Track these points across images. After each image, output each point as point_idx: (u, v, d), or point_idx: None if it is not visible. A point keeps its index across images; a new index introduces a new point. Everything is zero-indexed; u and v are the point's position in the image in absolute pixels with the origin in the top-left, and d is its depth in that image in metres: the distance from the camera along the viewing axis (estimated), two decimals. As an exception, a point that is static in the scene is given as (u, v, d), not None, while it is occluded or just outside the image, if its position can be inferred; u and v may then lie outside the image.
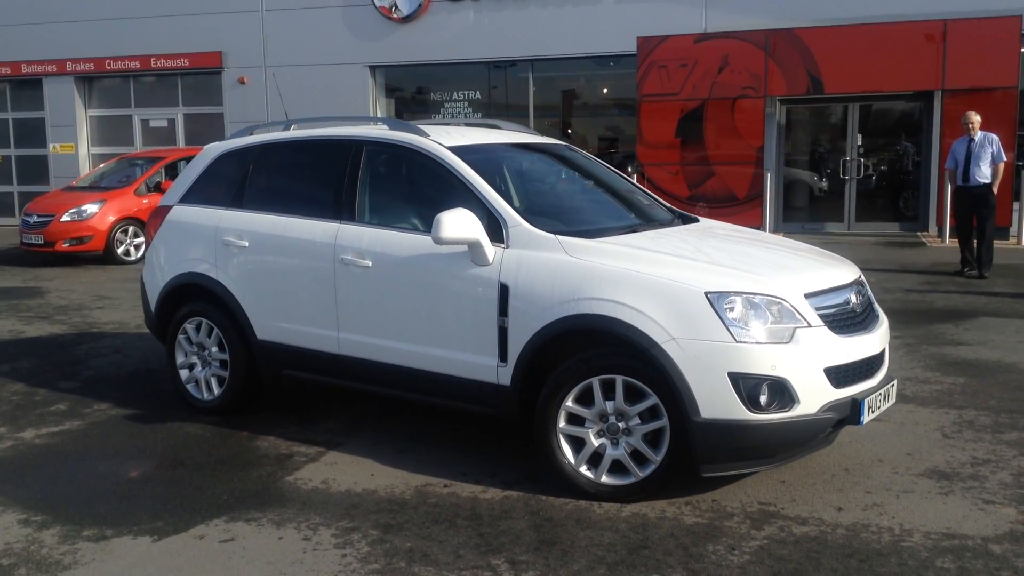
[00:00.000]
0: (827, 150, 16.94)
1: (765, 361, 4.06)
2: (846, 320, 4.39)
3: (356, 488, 4.61)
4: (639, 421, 4.30)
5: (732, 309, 4.11)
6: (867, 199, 16.44)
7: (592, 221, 5.25)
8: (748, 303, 4.14)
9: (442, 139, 5.14)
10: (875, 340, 4.48)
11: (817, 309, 4.27)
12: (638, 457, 4.34)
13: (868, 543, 3.90)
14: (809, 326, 4.18)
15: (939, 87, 14.94)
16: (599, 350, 4.34)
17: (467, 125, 6.17)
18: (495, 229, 4.65)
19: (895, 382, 4.70)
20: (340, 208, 5.27)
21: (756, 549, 3.86)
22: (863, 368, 4.40)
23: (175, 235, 6.05)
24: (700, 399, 4.07)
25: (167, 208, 6.17)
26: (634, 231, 4.95)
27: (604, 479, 4.38)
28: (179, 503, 4.47)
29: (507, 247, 4.62)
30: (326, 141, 5.56)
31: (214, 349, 5.85)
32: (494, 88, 18.32)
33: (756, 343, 4.07)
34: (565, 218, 5.11)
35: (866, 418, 4.33)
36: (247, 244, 5.58)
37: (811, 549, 3.85)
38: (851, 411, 4.27)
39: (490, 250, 4.60)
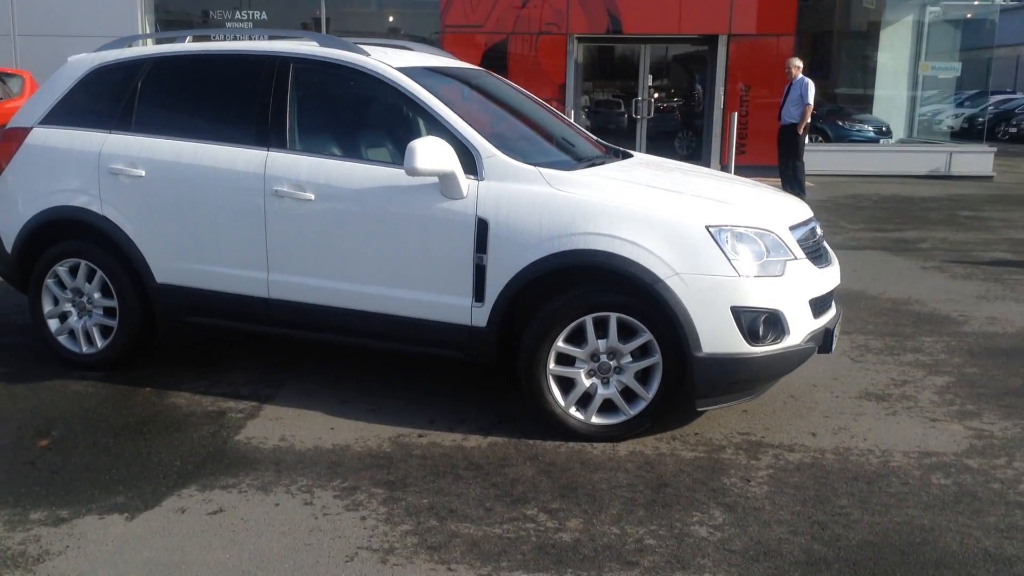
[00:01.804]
0: (619, 90, 17.50)
1: (764, 294, 4.09)
2: (816, 252, 4.52)
3: (324, 444, 4.20)
4: (631, 359, 4.22)
5: (731, 243, 4.10)
6: (656, 138, 17.18)
7: (551, 153, 5.03)
8: (746, 236, 4.14)
9: (387, 59, 4.69)
10: (836, 271, 4.65)
11: (799, 241, 4.35)
12: (627, 395, 4.26)
13: (862, 466, 4.07)
14: (795, 258, 4.25)
15: (726, 32, 15.77)
16: (593, 287, 4.19)
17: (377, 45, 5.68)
18: (466, 160, 4.33)
19: (841, 312, 4.92)
20: (266, 134, 4.69)
21: (768, 479, 3.92)
22: (829, 299, 4.56)
23: (38, 162, 5.15)
24: (702, 334, 4.04)
25: (23, 130, 5.24)
26: (592, 164, 4.80)
27: (594, 419, 4.27)
28: (127, 473, 3.86)
29: (481, 179, 4.32)
30: (243, 57, 4.91)
31: (97, 295, 5.08)
32: (281, 10, 17.17)
33: (756, 276, 4.09)
34: (521, 149, 4.84)
35: (835, 345, 4.51)
36: (143, 173, 4.85)
37: (816, 475, 3.97)
38: (824, 340, 4.43)
39: (464, 182, 4.29)
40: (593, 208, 4.15)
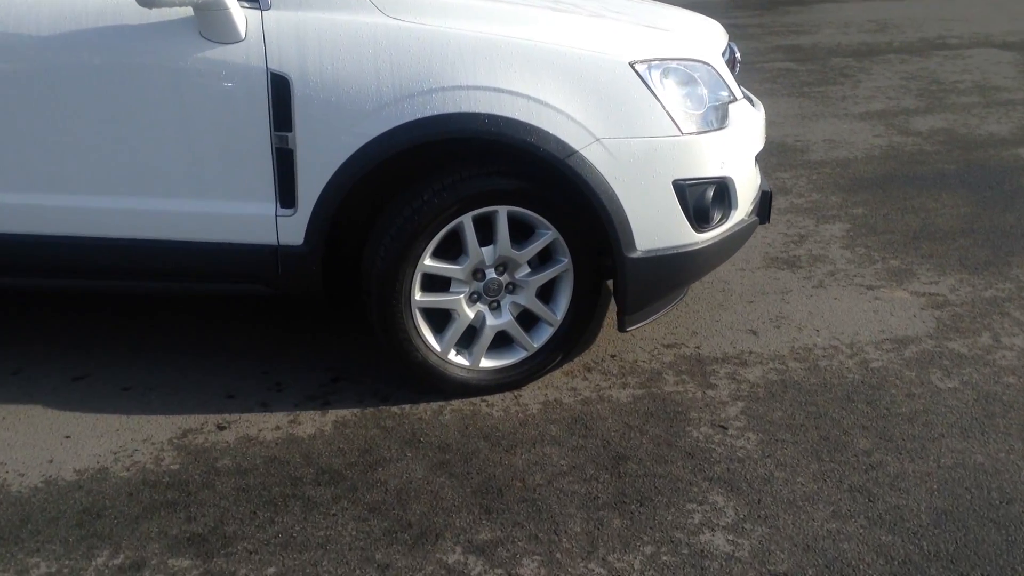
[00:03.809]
0: None
1: (715, 157, 2.84)
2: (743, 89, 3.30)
3: (62, 473, 2.53)
4: (529, 270, 2.86)
5: (665, 85, 2.76)
6: None
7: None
8: (681, 73, 2.81)
9: None
10: (762, 110, 3.47)
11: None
12: (525, 322, 2.93)
13: (842, 376, 3.05)
14: (735, 99, 3.01)
15: None
16: (470, 170, 2.72)
17: None
18: (235, -24, 2.61)
19: (752, 162, 3.80)
20: None
21: (747, 422, 2.79)
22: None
23: None
24: (636, 225, 2.75)
25: None
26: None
27: (484, 363, 2.91)
28: None
29: (267, 8, 2.63)
30: None
31: None
32: None
33: (700, 132, 2.80)
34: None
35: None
36: None
37: (801, 402, 2.89)
38: (762, 206, 3.29)
39: (240, 14, 2.59)
40: (462, 45, 2.62)
